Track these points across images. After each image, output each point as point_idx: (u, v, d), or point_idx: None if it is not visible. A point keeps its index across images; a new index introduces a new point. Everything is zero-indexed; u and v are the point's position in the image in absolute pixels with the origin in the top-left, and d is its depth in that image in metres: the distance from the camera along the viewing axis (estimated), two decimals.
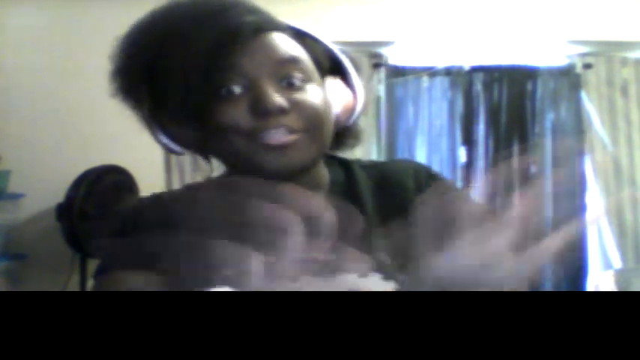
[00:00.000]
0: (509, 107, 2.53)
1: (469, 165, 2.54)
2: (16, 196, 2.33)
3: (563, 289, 2.48)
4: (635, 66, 2.46)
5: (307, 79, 0.63)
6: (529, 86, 2.54)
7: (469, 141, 2.55)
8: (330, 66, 0.69)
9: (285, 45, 0.63)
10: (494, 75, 2.54)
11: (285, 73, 0.62)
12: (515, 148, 2.53)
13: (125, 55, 0.64)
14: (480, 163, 2.54)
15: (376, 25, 2.38)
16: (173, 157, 2.41)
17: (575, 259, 2.48)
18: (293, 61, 0.63)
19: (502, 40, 2.45)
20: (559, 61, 2.53)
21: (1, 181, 2.28)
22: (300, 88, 0.62)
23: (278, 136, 0.60)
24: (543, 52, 2.51)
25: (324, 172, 0.71)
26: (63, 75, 2.41)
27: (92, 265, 2.24)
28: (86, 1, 2.41)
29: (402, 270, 0.64)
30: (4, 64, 2.41)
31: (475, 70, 2.54)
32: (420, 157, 2.53)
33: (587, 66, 2.46)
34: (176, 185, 2.37)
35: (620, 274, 2.15)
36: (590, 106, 2.45)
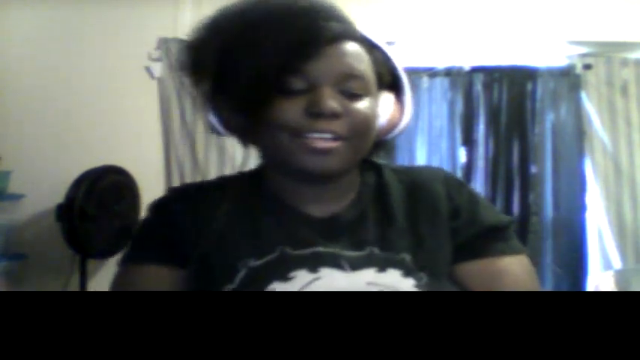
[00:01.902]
0: (509, 108, 2.53)
1: (469, 165, 2.53)
2: (16, 197, 2.33)
3: (563, 289, 2.48)
4: (635, 66, 2.45)
5: (365, 93, 0.66)
6: (529, 87, 2.53)
7: (469, 141, 2.54)
8: (389, 81, 0.72)
9: (356, 58, 0.66)
10: (494, 75, 2.53)
11: (346, 84, 0.65)
12: (515, 149, 2.53)
13: (204, 34, 0.67)
14: (480, 163, 2.53)
15: (376, 25, 2.37)
16: (173, 158, 2.41)
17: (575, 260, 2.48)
18: (357, 77, 0.65)
19: (502, 40, 2.45)
20: (559, 61, 2.53)
21: (1, 182, 2.28)
22: (356, 98, 0.65)
23: (323, 140, 0.63)
24: (543, 53, 2.51)
25: (355, 175, 0.74)
26: (63, 75, 2.41)
27: (92, 265, 2.24)
28: (86, 2, 2.41)
29: (422, 269, 0.67)
30: (4, 65, 2.41)
31: (475, 70, 2.53)
32: (420, 157, 2.53)
33: (587, 66, 2.46)
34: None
35: (620, 274, 2.15)
36: (590, 107, 2.45)
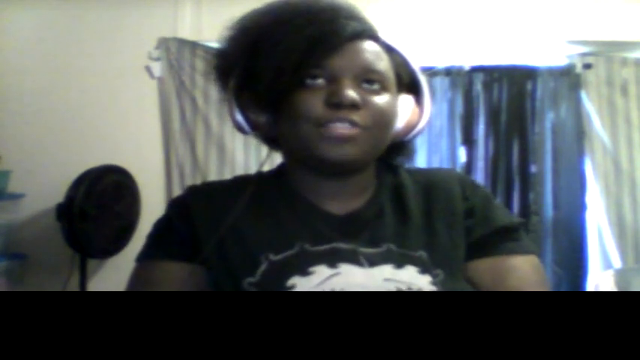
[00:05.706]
0: (509, 107, 2.52)
1: (469, 165, 2.53)
2: (16, 196, 2.33)
3: (563, 288, 2.48)
4: (635, 66, 2.45)
5: (384, 88, 0.69)
6: (529, 86, 2.53)
7: (469, 141, 2.54)
8: (408, 84, 0.75)
9: (375, 55, 0.69)
10: (494, 75, 2.53)
11: (367, 78, 0.68)
12: (515, 148, 2.53)
13: (231, 33, 0.71)
14: (480, 163, 2.53)
15: (376, 25, 2.37)
16: (173, 158, 2.41)
17: (575, 259, 2.48)
18: (376, 72, 0.68)
19: (502, 40, 2.45)
20: (559, 61, 2.53)
21: (1, 181, 2.28)
22: (375, 93, 0.68)
23: (343, 128, 0.65)
24: (543, 52, 2.51)
25: (372, 174, 0.76)
26: (63, 75, 2.41)
27: (92, 265, 2.24)
28: (86, 2, 2.41)
29: (439, 266, 0.69)
30: (4, 65, 2.41)
31: (475, 70, 2.53)
32: (420, 157, 2.53)
33: (587, 66, 2.45)
34: (176, 186, 2.37)
35: (620, 274, 2.15)
36: (590, 106, 2.45)
